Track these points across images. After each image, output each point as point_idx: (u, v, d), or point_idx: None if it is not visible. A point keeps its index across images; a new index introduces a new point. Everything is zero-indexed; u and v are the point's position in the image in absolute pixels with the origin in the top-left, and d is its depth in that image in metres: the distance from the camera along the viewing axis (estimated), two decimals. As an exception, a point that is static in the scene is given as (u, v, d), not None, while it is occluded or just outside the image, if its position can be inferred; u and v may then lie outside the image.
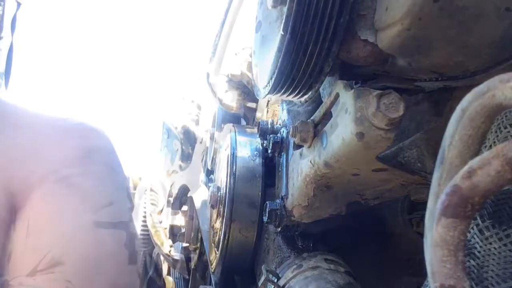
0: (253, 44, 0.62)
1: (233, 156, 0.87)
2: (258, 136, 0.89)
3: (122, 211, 0.55)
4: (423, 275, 0.29)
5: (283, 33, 0.46)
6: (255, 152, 0.88)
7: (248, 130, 0.97)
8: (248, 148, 0.89)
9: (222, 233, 0.86)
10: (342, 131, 0.51)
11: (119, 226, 0.56)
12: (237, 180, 0.85)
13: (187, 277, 1.33)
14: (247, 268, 0.90)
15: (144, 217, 1.64)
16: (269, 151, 0.79)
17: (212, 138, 1.28)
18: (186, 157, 1.60)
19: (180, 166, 1.63)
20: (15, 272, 0.53)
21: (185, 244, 1.34)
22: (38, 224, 0.51)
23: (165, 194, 1.70)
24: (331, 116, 0.55)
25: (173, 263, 1.42)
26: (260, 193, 0.85)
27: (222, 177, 0.93)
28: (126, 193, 0.58)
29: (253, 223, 0.84)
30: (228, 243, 0.85)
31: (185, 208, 1.45)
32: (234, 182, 0.85)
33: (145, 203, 1.69)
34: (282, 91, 0.53)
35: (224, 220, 0.85)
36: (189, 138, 1.63)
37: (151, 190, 1.76)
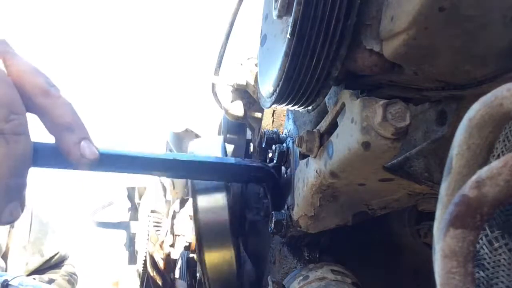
0: (258, 57, 0.62)
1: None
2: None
3: None
4: (431, 286, 0.29)
5: (289, 37, 0.46)
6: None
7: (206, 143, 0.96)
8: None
9: (199, 259, 0.84)
10: (348, 140, 0.50)
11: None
12: (198, 202, 0.83)
13: None
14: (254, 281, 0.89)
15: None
16: (275, 160, 0.79)
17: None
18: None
19: (186, 192, 1.63)
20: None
21: (191, 255, 1.34)
22: None
23: (168, 214, 1.70)
24: (337, 126, 0.55)
25: None
26: (226, 218, 0.82)
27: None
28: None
29: (225, 245, 0.82)
30: (206, 269, 0.83)
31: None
32: (196, 204, 0.83)
33: (148, 225, 1.70)
34: (289, 99, 0.53)
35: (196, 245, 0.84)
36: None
37: (153, 211, 1.76)
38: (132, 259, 2.12)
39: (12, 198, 0.51)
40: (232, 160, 0.77)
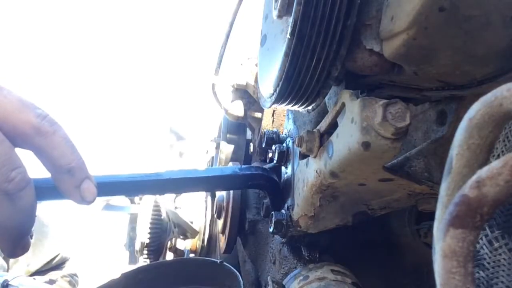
0: (258, 58, 0.62)
1: None
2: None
3: None
4: (431, 286, 0.29)
5: (289, 37, 0.46)
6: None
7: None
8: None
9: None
10: (348, 140, 0.50)
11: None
12: None
13: None
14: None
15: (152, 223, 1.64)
16: (275, 161, 0.79)
17: (217, 147, 1.28)
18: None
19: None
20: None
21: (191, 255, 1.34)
22: None
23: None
24: (337, 126, 0.55)
25: None
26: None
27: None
28: None
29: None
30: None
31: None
32: None
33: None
34: (289, 99, 0.53)
35: None
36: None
37: (155, 201, 1.77)
38: (132, 259, 2.12)
39: (23, 238, 0.50)
40: (231, 170, 0.78)
